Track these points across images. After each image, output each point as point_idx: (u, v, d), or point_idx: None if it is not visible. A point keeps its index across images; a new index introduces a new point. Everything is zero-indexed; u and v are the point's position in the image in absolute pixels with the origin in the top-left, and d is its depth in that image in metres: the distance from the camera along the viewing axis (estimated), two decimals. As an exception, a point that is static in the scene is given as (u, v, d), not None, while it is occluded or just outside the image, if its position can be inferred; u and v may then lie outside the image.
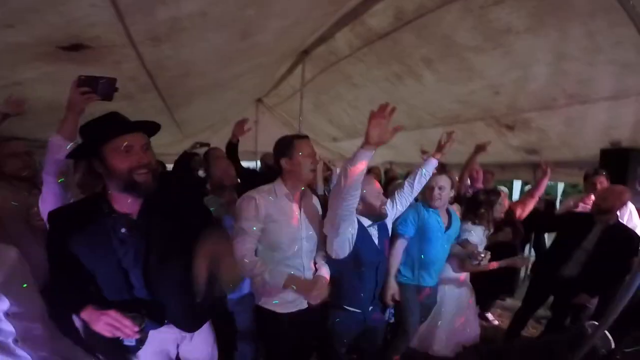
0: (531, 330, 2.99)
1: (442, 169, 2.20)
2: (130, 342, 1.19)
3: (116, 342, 1.16)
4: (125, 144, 1.07)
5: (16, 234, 1.63)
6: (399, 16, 2.43)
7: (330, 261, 1.71)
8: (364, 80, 3.37)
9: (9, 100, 1.56)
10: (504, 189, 3.80)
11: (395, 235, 2.07)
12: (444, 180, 2.12)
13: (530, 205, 2.72)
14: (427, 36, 2.46)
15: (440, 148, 2.00)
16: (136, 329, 1.09)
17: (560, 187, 4.15)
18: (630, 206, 2.55)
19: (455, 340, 2.44)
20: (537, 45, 2.16)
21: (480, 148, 2.78)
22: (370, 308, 1.81)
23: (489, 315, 3.31)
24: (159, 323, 1.24)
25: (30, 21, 1.12)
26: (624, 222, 2.40)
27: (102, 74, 1.74)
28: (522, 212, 2.70)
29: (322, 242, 1.73)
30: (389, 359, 2.21)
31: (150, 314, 1.18)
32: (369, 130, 1.37)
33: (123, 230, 1.15)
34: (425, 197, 2.16)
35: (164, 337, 1.29)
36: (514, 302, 3.29)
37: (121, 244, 1.15)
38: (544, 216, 2.92)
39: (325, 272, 1.66)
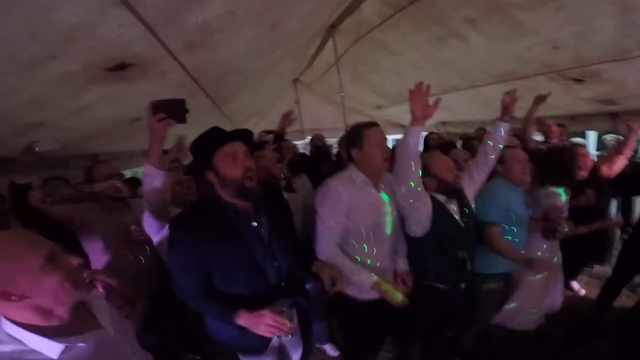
0: (624, 299, 2.53)
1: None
2: (287, 338, 1.25)
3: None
4: (231, 150, 1.14)
5: (112, 249, 1.73)
6: None
7: (412, 239, 1.64)
8: (402, 46, 3.01)
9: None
10: (580, 140, 3.24)
11: (486, 224, 1.79)
12: (523, 153, 1.88)
13: (619, 164, 2.26)
14: None
15: (507, 110, 1.72)
16: (291, 325, 1.12)
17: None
18: None
19: (538, 312, 2.13)
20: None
21: (539, 99, 2.38)
22: (462, 285, 1.69)
23: (575, 284, 2.88)
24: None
25: (70, 50, 1.10)
26: None
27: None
28: (610, 171, 2.25)
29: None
30: (465, 340, 2.10)
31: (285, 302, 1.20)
32: (412, 109, 1.39)
33: (254, 224, 1.21)
34: (509, 174, 1.86)
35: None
36: (602, 270, 2.82)
37: (254, 238, 1.19)
38: (633, 179, 2.39)
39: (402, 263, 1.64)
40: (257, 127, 4.83)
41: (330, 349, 2.39)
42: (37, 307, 0.72)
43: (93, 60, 1.24)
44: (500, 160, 1.87)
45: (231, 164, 1.14)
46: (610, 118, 2.90)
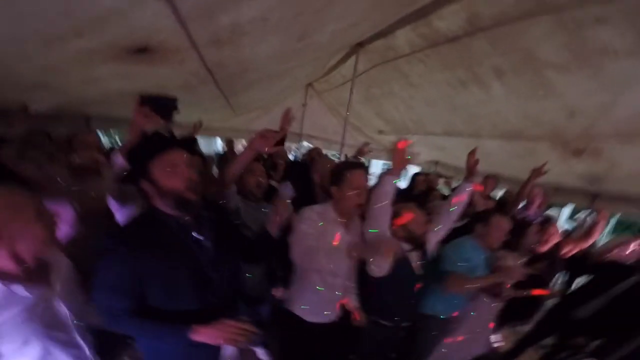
0: (527, 356, 2.78)
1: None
2: (251, 345, 1.18)
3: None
4: (171, 159, 1.05)
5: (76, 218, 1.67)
6: (472, 21, 2.11)
7: (369, 278, 1.74)
8: (422, 81, 3.07)
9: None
10: (553, 213, 3.40)
11: (449, 273, 1.94)
12: (508, 224, 2.00)
13: (579, 248, 2.45)
14: (503, 46, 2.13)
15: (471, 171, 1.91)
16: (256, 330, 1.08)
17: (612, 222, 3.61)
18: None
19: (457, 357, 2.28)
20: (635, 70, 1.76)
21: (537, 172, 2.50)
22: (407, 324, 1.86)
23: (494, 337, 3.08)
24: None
25: (97, 30, 1.09)
26: None
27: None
28: (569, 252, 2.44)
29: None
30: None
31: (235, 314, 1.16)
32: (393, 161, 1.56)
33: (195, 234, 1.13)
34: (487, 238, 2.01)
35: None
36: (525, 328, 3.02)
37: (198, 250, 1.12)
38: (581, 261, 2.59)
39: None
40: (260, 120, 4.80)
41: (262, 354, 2.39)
42: (14, 253, 0.86)
43: (118, 41, 1.23)
44: (484, 221, 2.00)
45: (170, 174, 1.05)
46: (591, 197, 3.03)
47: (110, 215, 1.46)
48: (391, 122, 4.31)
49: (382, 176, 1.59)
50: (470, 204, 2.51)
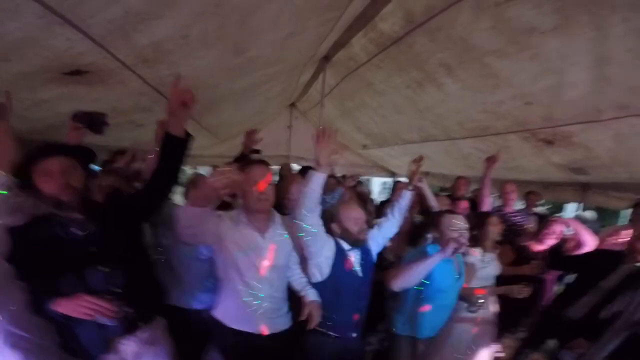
0: None
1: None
2: (111, 322, 1.30)
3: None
4: (46, 167, 1.25)
5: None
6: (409, 19, 2.27)
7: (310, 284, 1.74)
8: (385, 87, 3.26)
9: None
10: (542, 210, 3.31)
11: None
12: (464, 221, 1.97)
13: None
14: (441, 40, 2.24)
15: (412, 178, 2.00)
16: (112, 307, 1.23)
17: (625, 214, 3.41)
18: None
19: None
20: (570, 46, 1.80)
21: (491, 161, 2.53)
22: (354, 335, 1.77)
23: (494, 347, 2.96)
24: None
25: (23, 55, 1.36)
26: None
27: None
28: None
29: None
30: None
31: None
32: (316, 154, 1.53)
33: (73, 229, 1.31)
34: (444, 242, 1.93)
35: (125, 349, 1.40)
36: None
37: (79, 245, 1.30)
38: (560, 255, 2.53)
39: (311, 294, 1.70)
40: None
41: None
42: None
43: (47, 65, 1.50)
44: (436, 226, 2.00)
45: (45, 180, 1.25)
46: (582, 190, 2.95)
47: None
48: (371, 135, 4.47)
49: (309, 173, 1.56)
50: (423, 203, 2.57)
